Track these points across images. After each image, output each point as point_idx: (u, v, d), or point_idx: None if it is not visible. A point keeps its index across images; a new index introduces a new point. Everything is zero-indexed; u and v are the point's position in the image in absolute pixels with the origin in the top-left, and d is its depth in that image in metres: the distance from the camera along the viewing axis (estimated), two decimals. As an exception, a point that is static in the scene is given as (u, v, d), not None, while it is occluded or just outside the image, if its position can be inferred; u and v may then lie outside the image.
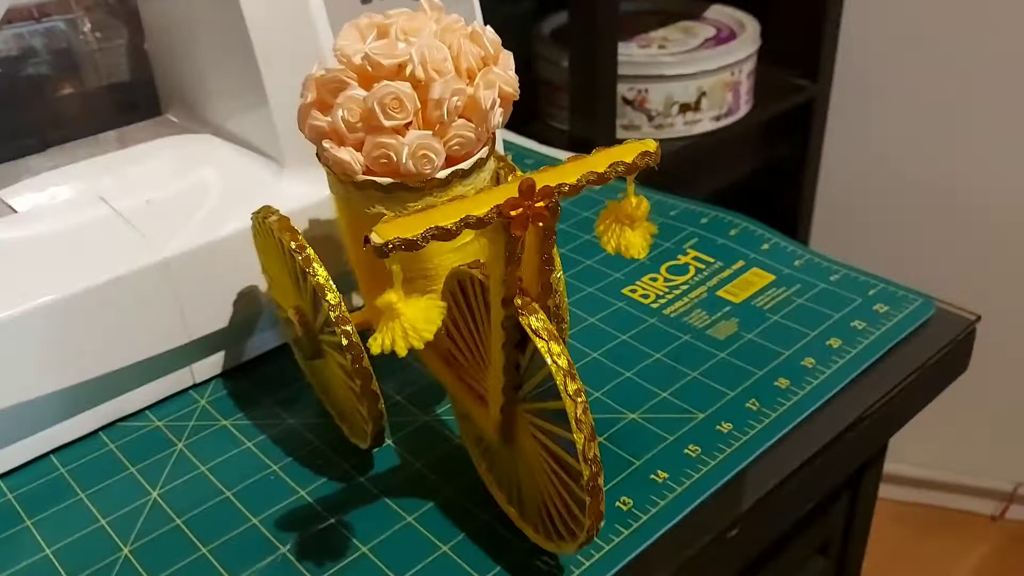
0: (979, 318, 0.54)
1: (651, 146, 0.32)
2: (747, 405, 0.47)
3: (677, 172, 0.86)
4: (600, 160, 0.32)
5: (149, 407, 0.49)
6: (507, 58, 0.38)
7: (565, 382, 0.32)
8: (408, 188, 0.37)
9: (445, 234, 0.29)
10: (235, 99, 0.52)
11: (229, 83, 0.52)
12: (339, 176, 0.38)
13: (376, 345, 0.30)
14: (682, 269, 0.59)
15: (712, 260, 0.59)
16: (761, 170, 1.08)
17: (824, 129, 1.06)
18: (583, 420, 0.32)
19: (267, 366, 0.51)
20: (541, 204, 0.30)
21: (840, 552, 0.61)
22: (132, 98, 0.60)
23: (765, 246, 0.60)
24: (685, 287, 0.57)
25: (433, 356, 0.42)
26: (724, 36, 0.93)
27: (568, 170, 0.31)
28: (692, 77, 0.86)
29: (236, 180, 0.51)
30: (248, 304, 0.50)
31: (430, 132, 0.36)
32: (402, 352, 0.30)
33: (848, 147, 1.21)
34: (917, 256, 1.29)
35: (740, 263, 0.59)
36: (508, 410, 0.36)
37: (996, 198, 1.19)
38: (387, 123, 0.36)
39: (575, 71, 0.79)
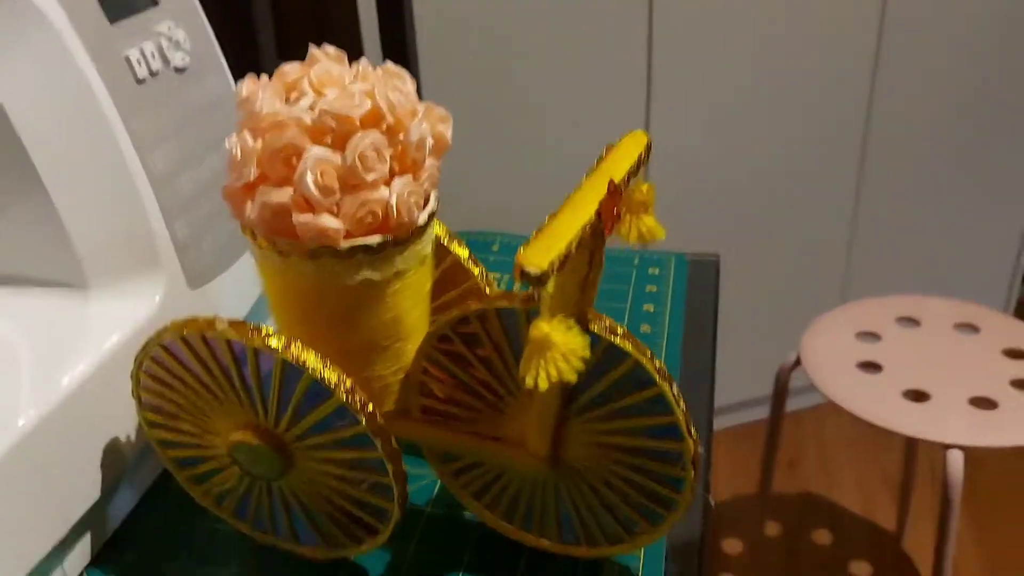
0: (719, 255, 0.65)
1: (642, 135, 0.35)
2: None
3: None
4: (621, 155, 0.33)
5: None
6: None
7: (654, 366, 0.33)
8: (396, 243, 0.34)
9: (579, 244, 0.29)
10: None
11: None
12: (306, 252, 0.33)
13: (543, 378, 0.28)
14: (479, 291, 0.60)
15: (499, 275, 0.62)
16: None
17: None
18: (679, 398, 0.34)
19: (138, 531, 0.42)
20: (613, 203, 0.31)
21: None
22: None
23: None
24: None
25: (407, 424, 0.39)
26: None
27: (610, 168, 0.32)
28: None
29: (35, 322, 0.41)
30: (114, 463, 0.40)
31: (410, 176, 0.34)
32: (570, 377, 0.28)
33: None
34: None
35: (522, 271, 0.62)
36: (556, 432, 0.36)
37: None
38: (369, 177, 0.33)
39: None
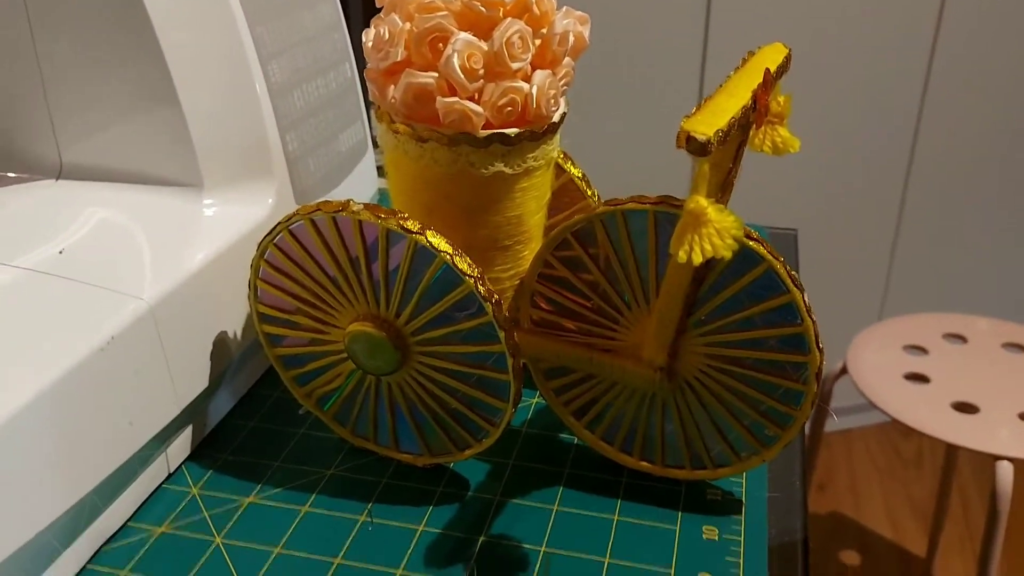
0: (796, 230, 0.65)
1: (783, 47, 0.35)
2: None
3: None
4: (765, 59, 0.33)
5: (131, 518, 0.37)
6: None
7: (787, 271, 0.33)
8: (532, 137, 0.34)
9: (743, 119, 0.29)
10: (115, 117, 0.42)
11: (110, 97, 0.41)
12: (439, 139, 0.34)
13: (697, 254, 0.28)
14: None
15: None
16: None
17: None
18: (810, 308, 0.33)
19: (234, 434, 0.42)
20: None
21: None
22: None
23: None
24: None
25: (517, 335, 0.39)
26: None
27: (757, 66, 0.33)
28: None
29: (152, 216, 0.41)
30: (221, 356, 0.40)
31: (550, 71, 0.34)
32: (726, 254, 0.28)
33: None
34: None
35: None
36: (675, 345, 0.36)
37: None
38: (515, 66, 0.33)
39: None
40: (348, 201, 0.34)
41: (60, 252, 0.37)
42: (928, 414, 1.01)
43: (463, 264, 0.33)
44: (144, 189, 0.42)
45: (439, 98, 0.33)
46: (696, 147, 0.27)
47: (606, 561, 0.35)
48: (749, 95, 0.30)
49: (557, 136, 0.36)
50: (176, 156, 0.42)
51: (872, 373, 1.09)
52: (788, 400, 0.35)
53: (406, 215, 0.33)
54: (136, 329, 0.34)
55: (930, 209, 1.56)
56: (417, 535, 0.36)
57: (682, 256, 0.28)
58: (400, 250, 0.34)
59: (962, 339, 1.17)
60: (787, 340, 0.34)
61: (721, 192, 0.33)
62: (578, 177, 0.41)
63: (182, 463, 0.40)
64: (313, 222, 0.35)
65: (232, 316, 0.41)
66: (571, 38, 0.34)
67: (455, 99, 0.33)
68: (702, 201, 0.28)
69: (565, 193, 0.42)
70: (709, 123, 0.28)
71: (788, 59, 0.35)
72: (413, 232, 0.33)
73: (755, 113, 0.31)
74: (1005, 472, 0.95)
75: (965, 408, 1.03)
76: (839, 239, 1.54)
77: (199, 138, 0.41)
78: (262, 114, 0.43)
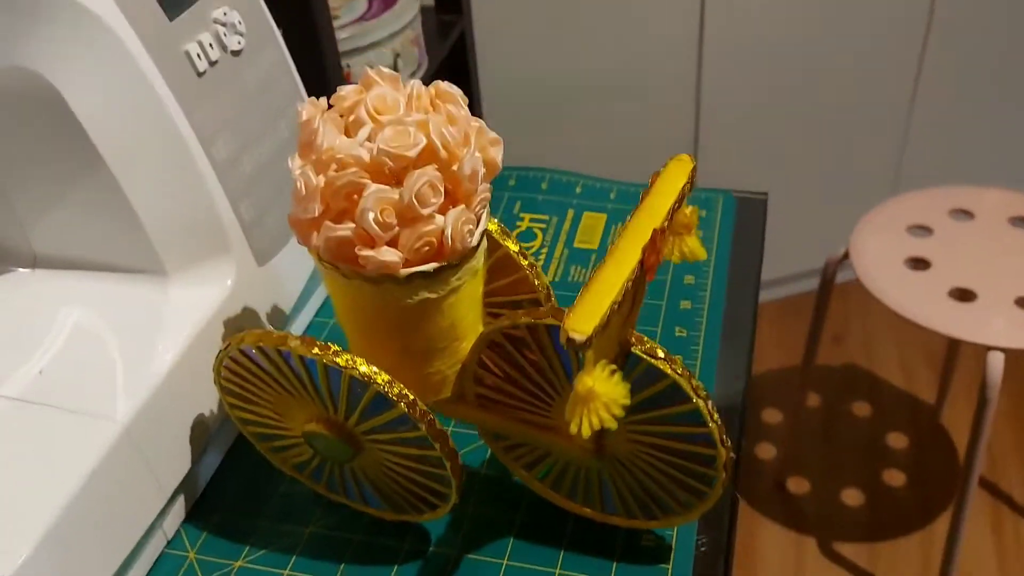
0: (767, 194, 0.65)
1: (688, 160, 0.36)
2: (677, 334, 0.53)
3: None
4: (667, 190, 0.35)
5: (138, 589, 0.42)
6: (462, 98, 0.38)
7: (691, 385, 0.36)
8: (451, 266, 0.36)
9: (620, 304, 0.31)
10: (76, 219, 0.44)
11: (67, 203, 0.44)
12: (369, 278, 0.36)
13: (586, 427, 0.31)
14: (529, 235, 0.62)
15: (547, 217, 0.64)
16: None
17: (476, 55, 1.13)
18: (713, 413, 0.36)
19: (223, 492, 0.46)
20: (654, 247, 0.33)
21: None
22: None
23: (578, 189, 0.66)
24: (545, 249, 0.61)
25: (462, 408, 0.42)
26: (380, -11, 0.94)
27: (654, 208, 0.34)
28: (386, 41, 0.87)
29: (119, 311, 0.44)
30: (199, 433, 0.45)
31: (463, 206, 0.36)
32: (611, 425, 0.31)
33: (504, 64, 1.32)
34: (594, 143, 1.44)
35: (571, 212, 0.64)
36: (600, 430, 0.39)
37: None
38: (425, 211, 0.35)
39: (300, 66, 0.76)
40: (287, 336, 0.37)
41: (40, 372, 0.41)
42: (924, 303, 1.03)
43: (395, 389, 0.37)
44: (112, 278, 0.45)
45: (358, 250, 0.35)
46: (577, 346, 0.30)
47: (545, 623, 0.40)
48: (636, 260, 0.32)
49: (480, 250, 0.38)
50: (135, 246, 0.44)
51: (872, 260, 1.11)
52: (704, 480, 0.39)
53: (337, 349, 0.36)
54: (114, 453, 0.39)
55: (948, 72, 1.50)
56: (382, 600, 0.41)
57: (573, 429, 0.31)
58: (339, 373, 0.37)
59: (969, 215, 1.17)
60: (696, 436, 0.37)
61: (624, 324, 0.35)
62: (515, 252, 0.43)
63: (180, 526, 0.45)
64: (259, 347, 0.38)
65: (205, 399, 0.45)
66: (480, 171, 0.36)
67: (372, 252, 0.35)
68: (588, 381, 0.31)
69: (503, 265, 0.44)
70: (587, 321, 0.30)
71: (694, 172, 0.36)
72: (344, 367, 0.36)
73: (646, 271, 0.32)
74: (996, 362, 0.98)
75: (963, 295, 1.05)
76: (853, 115, 1.50)
77: (152, 229, 0.44)
78: (211, 195, 0.45)
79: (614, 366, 0.32)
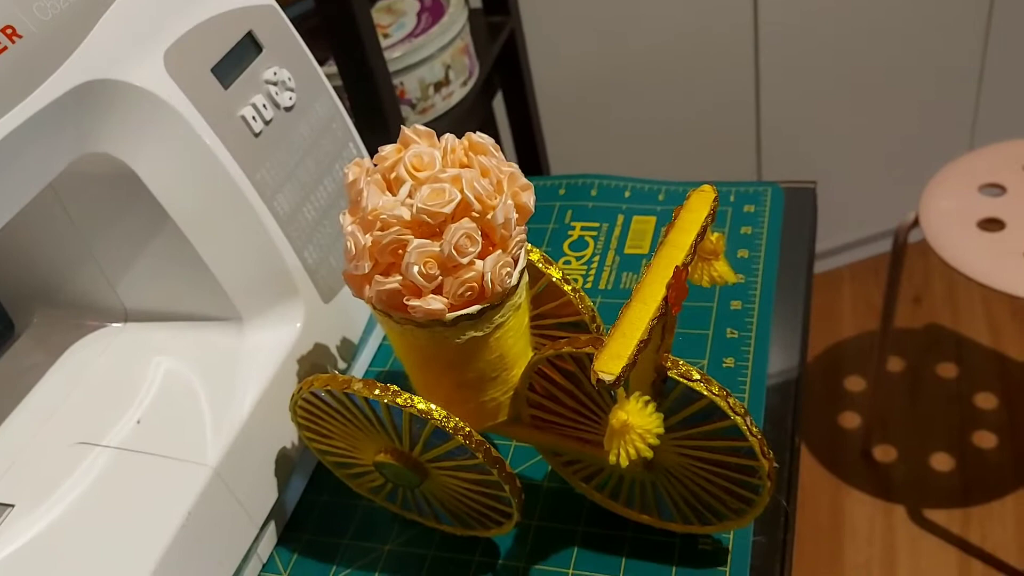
0: (815, 183, 0.66)
1: (711, 191, 0.38)
2: (728, 335, 0.55)
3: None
4: (689, 224, 0.37)
5: (237, 612, 0.47)
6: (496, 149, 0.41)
7: (728, 404, 0.38)
8: (493, 306, 0.39)
9: (648, 341, 0.33)
10: (157, 275, 0.49)
11: (147, 262, 0.48)
12: (419, 322, 0.39)
13: (623, 458, 0.33)
14: (581, 243, 0.65)
15: (597, 224, 0.66)
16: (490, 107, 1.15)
17: (527, 52, 1.14)
18: (752, 427, 0.38)
19: (309, 514, 0.51)
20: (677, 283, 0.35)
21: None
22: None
23: (627, 193, 0.68)
24: (597, 258, 0.63)
25: (519, 429, 0.45)
26: (429, 3, 0.96)
27: (677, 243, 0.36)
28: (437, 55, 0.90)
29: (203, 357, 0.48)
30: (284, 465, 0.49)
31: (500, 251, 0.38)
32: (647, 454, 0.34)
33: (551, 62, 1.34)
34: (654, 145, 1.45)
35: (620, 217, 0.66)
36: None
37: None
38: (464, 260, 0.37)
39: (353, 91, 0.79)
40: (351, 379, 0.40)
41: (138, 422, 0.45)
42: (999, 267, 1.02)
43: (451, 423, 0.40)
44: (195, 327, 0.49)
45: (406, 300, 0.38)
46: (607, 386, 0.32)
47: (609, 628, 0.42)
48: (661, 297, 0.34)
49: (521, 287, 0.41)
50: (211, 297, 0.48)
51: (943, 224, 1.09)
52: (751, 488, 0.41)
53: (398, 390, 0.40)
54: (207, 494, 0.43)
55: (1019, 21, 1.45)
56: (458, 612, 0.45)
57: (611, 459, 0.34)
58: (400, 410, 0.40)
59: (1043, 169, 1.14)
60: (738, 450, 0.39)
61: (658, 353, 0.37)
62: (558, 279, 0.45)
63: (272, 550, 0.49)
64: (327, 390, 0.42)
65: (286, 433, 0.49)
66: (513, 217, 0.38)
67: (419, 302, 0.38)
68: (622, 415, 0.33)
69: (550, 290, 0.46)
70: (616, 362, 0.32)
71: (716, 201, 0.38)
72: (404, 407, 0.39)
73: (671, 308, 0.34)
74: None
75: (1038, 256, 1.03)
76: (924, 72, 1.46)
77: (225, 281, 0.48)
78: (276, 245, 0.48)
79: (647, 397, 0.34)
